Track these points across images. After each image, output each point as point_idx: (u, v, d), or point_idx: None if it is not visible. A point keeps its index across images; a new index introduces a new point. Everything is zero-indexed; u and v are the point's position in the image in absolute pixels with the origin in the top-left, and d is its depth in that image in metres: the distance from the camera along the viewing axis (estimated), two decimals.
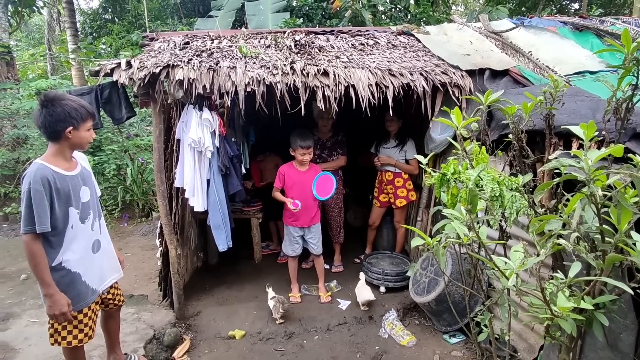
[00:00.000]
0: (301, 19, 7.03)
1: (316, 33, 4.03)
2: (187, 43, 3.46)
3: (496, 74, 3.16)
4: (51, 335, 1.95)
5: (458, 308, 2.60)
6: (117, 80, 2.68)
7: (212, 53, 3.17)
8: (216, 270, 4.05)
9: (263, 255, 4.30)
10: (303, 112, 2.81)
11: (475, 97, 2.05)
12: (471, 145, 1.80)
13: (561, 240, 1.18)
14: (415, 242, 1.62)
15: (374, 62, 3.22)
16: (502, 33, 3.88)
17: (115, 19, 10.55)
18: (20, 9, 9.10)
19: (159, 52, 3.16)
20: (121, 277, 2.28)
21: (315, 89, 2.85)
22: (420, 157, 1.93)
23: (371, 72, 3.01)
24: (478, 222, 1.61)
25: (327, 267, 3.90)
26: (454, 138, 1.96)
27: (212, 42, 3.50)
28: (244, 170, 3.58)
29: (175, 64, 2.78)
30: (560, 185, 1.52)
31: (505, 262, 1.36)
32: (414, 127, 3.90)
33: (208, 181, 3.08)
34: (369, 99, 2.88)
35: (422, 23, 7.53)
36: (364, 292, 3.23)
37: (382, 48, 3.62)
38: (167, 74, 2.73)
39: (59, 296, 1.83)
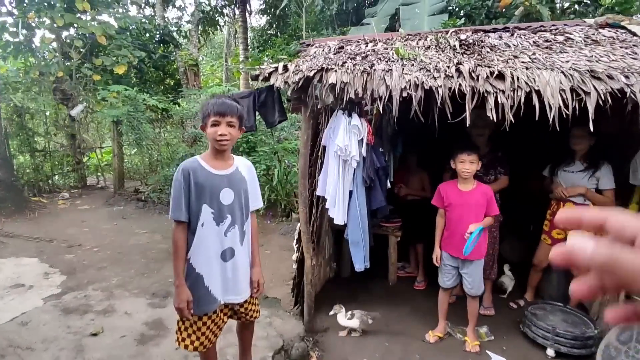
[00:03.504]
0: (462, 19, 6.39)
1: (485, 31, 3.47)
2: (342, 47, 3.33)
3: None
4: (176, 333, 1.92)
5: None
6: (273, 85, 2.69)
7: (366, 56, 2.96)
8: (347, 285, 3.83)
9: (398, 277, 3.91)
10: (468, 121, 2.35)
11: None
12: None
13: None
14: None
15: (567, 61, 2.53)
16: None
17: (278, 33, 11.63)
18: (207, 27, 10.84)
19: (314, 57, 3.10)
20: (244, 300, 1.99)
21: (485, 94, 2.36)
22: None
23: (564, 75, 2.35)
24: None
25: None
26: None
27: (367, 46, 3.31)
28: (388, 185, 3.26)
29: (329, 67, 2.65)
30: None
31: None
32: (606, 149, 3.01)
33: (350, 193, 2.88)
34: (559, 108, 2.24)
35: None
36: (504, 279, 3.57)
37: (578, 45, 2.85)
38: (320, 78, 2.62)
39: (182, 290, 1.78)
